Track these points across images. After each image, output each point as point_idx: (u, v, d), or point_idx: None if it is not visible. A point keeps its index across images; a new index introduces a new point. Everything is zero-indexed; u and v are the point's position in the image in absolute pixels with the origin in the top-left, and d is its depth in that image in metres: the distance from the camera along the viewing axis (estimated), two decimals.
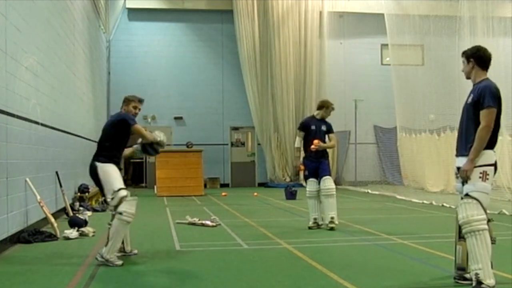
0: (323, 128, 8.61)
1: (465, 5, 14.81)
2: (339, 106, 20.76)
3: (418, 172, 16.17)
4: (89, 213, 10.17)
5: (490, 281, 4.34)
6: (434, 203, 12.36)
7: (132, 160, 21.62)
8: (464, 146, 4.60)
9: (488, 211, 4.56)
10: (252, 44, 20.07)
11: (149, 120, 20.48)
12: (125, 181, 22.32)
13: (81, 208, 10.47)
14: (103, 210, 11.29)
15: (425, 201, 12.81)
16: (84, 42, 14.09)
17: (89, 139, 14.77)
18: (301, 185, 18.39)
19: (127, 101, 6.39)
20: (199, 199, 14.38)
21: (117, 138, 6.14)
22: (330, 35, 20.51)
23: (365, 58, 20.97)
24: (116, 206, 5.75)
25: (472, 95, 4.64)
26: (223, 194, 15.97)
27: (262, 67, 20.17)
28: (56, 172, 9.64)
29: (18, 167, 7.17)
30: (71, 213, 9.61)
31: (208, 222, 8.78)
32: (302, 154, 8.73)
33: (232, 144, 20.77)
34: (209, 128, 20.50)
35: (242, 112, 20.48)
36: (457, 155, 4.69)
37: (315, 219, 8.43)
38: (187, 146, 18.44)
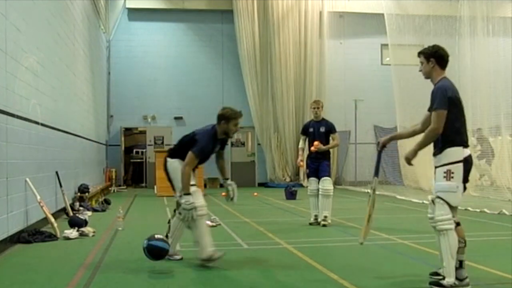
0: (322, 129, 8.82)
1: (465, 5, 14.81)
2: (339, 106, 20.92)
3: (418, 172, 16.15)
4: (89, 213, 10.17)
5: (450, 280, 4.40)
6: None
7: (132, 160, 21.66)
8: (434, 146, 4.64)
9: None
10: (252, 44, 20.07)
11: (149, 120, 20.49)
12: (125, 181, 22.29)
13: (81, 208, 10.47)
14: (103, 210, 11.31)
15: (425, 201, 12.78)
16: (84, 42, 14.09)
17: (89, 139, 14.77)
18: (301, 185, 18.41)
19: (226, 119, 5.90)
20: None
21: (185, 149, 5.75)
22: (330, 35, 20.50)
23: (365, 58, 20.97)
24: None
25: (431, 97, 4.68)
26: (223, 194, 15.86)
27: (262, 67, 20.16)
28: (56, 172, 9.64)
29: (18, 167, 7.16)
30: (71, 213, 9.61)
31: (208, 222, 8.75)
32: (307, 152, 9.04)
33: (232, 144, 20.76)
34: None
35: (242, 112, 20.38)
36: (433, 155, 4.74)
37: (315, 216, 8.82)
38: None
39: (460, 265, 4.47)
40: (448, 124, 4.47)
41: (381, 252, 6.36)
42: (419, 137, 4.83)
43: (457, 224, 4.50)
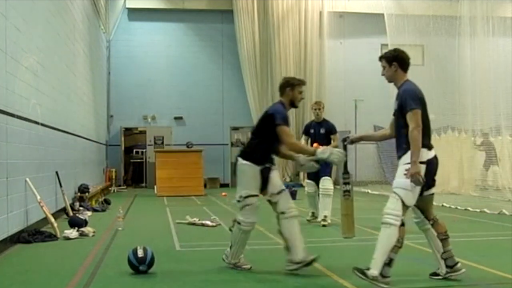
0: (322, 131, 8.88)
1: (465, 5, 14.81)
2: (339, 106, 20.92)
3: None
4: (89, 213, 10.17)
5: (373, 272, 4.41)
6: (434, 203, 12.32)
7: (132, 160, 21.66)
8: (397, 149, 4.68)
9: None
10: (252, 44, 20.07)
11: (149, 120, 20.49)
12: (125, 181, 22.28)
13: (81, 208, 10.47)
14: (103, 210, 11.31)
15: None
16: (84, 42, 14.09)
17: (89, 139, 14.77)
18: (301, 185, 18.39)
19: (291, 85, 5.34)
20: (199, 199, 14.37)
21: (265, 136, 5.22)
22: (330, 35, 20.50)
23: (365, 58, 20.94)
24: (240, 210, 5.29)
25: (397, 101, 4.68)
26: (223, 194, 15.95)
27: (262, 67, 20.17)
28: (56, 172, 9.64)
29: (18, 167, 7.16)
30: (71, 213, 9.61)
31: (208, 222, 8.78)
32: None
33: (232, 144, 20.76)
34: (209, 128, 20.50)
35: (242, 112, 20.47)
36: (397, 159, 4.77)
37: (313, 212, 9.00)
38: (187, 146, 18.45)
39: (389, 263, 4.46)
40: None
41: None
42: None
43: (402, 224, 4.49)
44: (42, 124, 8.62)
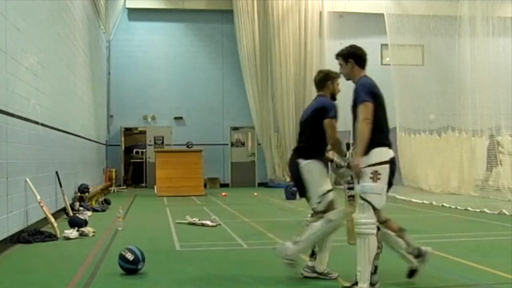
0: None
1: (465, 5, 14.80)
2: (339, 106, 20.81)
3: (418, 172, 16.16)
4: (89, 213, 10.17)
5: (364, 285, 4.25)
6: (434, 203, 12.36)
7: (132, 160, 21.66)
8: (356, 146, 4.49)
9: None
10: (252, 44, 20.06)
11: (149, 120, 20.49)
12: (125, 181, 22.28)
13: (81, 208, 10.47)
14: (103, 210, 11.31)
15: (425, 201, 12.80)
16: (84, 42, 14.09)
17: (89, 139, 14.77)
18: None
19: (331, 78, 5.28)
20: (199, 199, 14.38)
21: (319, 131, 5.03)
22: (330, 35, 20.47)
23: None
24: (323, 211, 4.92)
25: (353, 97, 4.57)
26: (223, 194, 15.96)
27: (262, 67, 20.16)
28: (56, 172, 9.64)
29: (18, 167, 7.16)
30: (71, 213, 9.61)
31: (208, 222, 8.78)
32: None
33: (232, 144, 20.77)
34: (209, 128, 20.50)
35: (242, 112, 20.47)
36: None
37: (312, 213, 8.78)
38: (187, 146, 18.44)
39: (374, 271, 4.31)
40: (372, 123, 4.31)
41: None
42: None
43: (378, 229, 4.34)
44: (42, 124, 8.62)
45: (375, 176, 4.27)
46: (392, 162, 4.43)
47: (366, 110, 4.31)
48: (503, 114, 13.55)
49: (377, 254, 4.32)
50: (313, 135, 5.03)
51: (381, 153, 4.36)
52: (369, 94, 4.37)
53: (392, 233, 4.67)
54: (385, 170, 4.34)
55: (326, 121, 4.99)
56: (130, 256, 5.16)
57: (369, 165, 4.29)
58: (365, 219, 4.27)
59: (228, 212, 11.11)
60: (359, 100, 4.36)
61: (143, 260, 5.23)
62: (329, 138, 5.00)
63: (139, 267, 5.18)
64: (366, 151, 4.31)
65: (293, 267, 4.92)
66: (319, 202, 4.91)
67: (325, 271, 5.00)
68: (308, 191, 4.96)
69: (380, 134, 4.39)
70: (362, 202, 4.30)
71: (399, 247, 4.71)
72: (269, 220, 9.85)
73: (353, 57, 4.64)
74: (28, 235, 7.14)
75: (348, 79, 4.72)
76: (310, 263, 5.04)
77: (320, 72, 5.40)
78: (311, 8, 20.46)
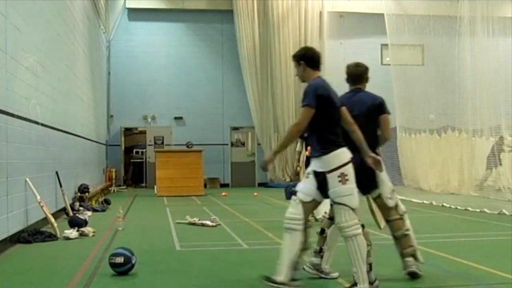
0: None
1: (465, 5, 14.80)
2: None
3: (418, 172, 16.16)
4: (89, 213, 10.17)
5: (364, 285, 4.25)
6: (434, 203, 12.35)
7: (132, 160, 21.66)
8: (312, 150, 4.51)
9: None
10: (252, 44, 20.07)
11: (149, 120, 20.49)
12: (125, 181, 22.27)
13: (81, 208, 10.47)
14: (103, 210, 11.30)
15: (425, 201, 12.80)
16: (84, 42, 14.09)
17: (89, 139, 14.77)
18: None
19: (368, 71, 5.37)
20: (199, 199, 14.38)
21: (372, 125, 5.02)
22: (330, 35, 20.46)
23: (365, 58, 20.64)
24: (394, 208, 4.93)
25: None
26: (223, 194, 15.96)
27: (262, 67, 20.17)
28: (56, 172, 9.64)
29: (18, 167, 7.16)
30: (71, 213, 9.61)
31: (208, 222, 8.78)
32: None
33: (232, 144, 20.77)
34: (209, 128, 20.50)
35: (242, 112, 20.47)
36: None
37: (312, 213, 8.92)
38: (187, 146, 18.43)
39: (369, 268, 4.36)
40: (322, 125, 4.34)
41: (380, 252, 6.35)
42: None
43: (362, 226, 4.36)
44: (42, 124, 8.62)
45: (343, 178, 4.26)
46: (353, 163, 4.37)
47: (304, 115, 4.33)
48: (503, 114, 13.55)
49: (368, 252, 4.37)
50: (368, 131, 4.88)
51: (342, 154, 4.32)
52: (315, 98, 4.32)
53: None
54: (350, 169, 4.31)
55: (386, 117, 5.09)
56: (119, 260, 5.11)
57: (334, 169, 4.27)
58: (348, 222, 4.28)
59: (228, 212, 11.12)
60: (302, 104, 4.36)
61: (132, 254, 5.21)
62: (385, 133, 5.07)
63: (133, 261, 5.17)
64: (325, 154, 4.29)
65: (333, 277, 5.00)
66: (390, 198, 4.92)
67: (327, 270, 5.01)
68: (379, 186, 4.92)
69: (331, 136, 4.37)
70: (339, 206, 4.29)
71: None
72: (269, 220, 9.85)
73: (304, 59, 4.61)
74: (28, 235, 7.14)
75: (303, 81, 4.67)
76: (315, 260, 5.04)
77: (358, 65, 5.52)
78: (311, 8, 20.46)
